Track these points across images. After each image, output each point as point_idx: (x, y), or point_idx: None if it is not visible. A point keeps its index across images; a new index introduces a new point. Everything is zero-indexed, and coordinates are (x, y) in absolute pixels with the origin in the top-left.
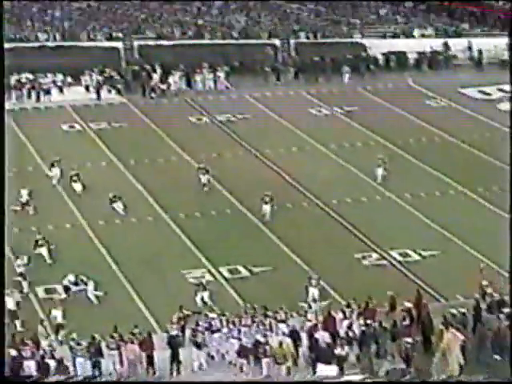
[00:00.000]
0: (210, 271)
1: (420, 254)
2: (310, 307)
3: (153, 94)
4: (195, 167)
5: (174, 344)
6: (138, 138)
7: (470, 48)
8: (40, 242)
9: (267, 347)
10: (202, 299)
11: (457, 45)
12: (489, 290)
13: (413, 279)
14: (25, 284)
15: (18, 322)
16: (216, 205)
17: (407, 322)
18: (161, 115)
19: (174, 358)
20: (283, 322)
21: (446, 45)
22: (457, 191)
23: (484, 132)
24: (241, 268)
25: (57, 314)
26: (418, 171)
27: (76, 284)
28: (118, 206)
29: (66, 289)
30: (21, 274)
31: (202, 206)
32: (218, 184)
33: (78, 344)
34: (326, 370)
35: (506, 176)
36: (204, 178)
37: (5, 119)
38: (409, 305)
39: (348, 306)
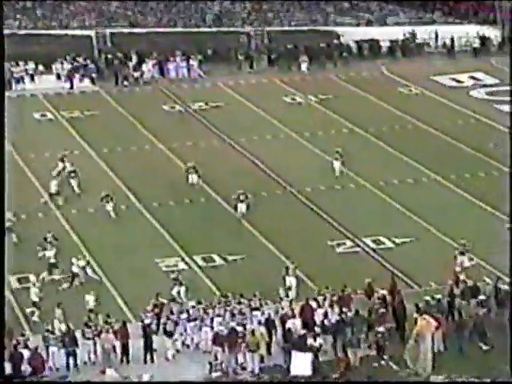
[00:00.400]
0: (183, 259)
1: (393, 242)
2: (287, 296)
3: (126, 83)
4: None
5: (147, 332)
6: (111, 126)
7: (436, 37)
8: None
9: (242, 335)
10: (179, 293)
11: (431, 33)
12: (462, 277)
13: (387, 266)
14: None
15: (36, 314)
16: (190, 193)
17: (382, 309)
18: (134, 103)
19: (148, 346)
20: (257, 309)
21: (413, 33)
22: (430, 178)
23: (456, 119)
24: (215, 256)
25: (90, 298)
26: (392, 159)
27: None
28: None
29: (73, 276)
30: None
31: (176, 194)
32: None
33: (51, 333)
34: (301, 358)
35: (478, 163)
36: (193, 178)
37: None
38: (383, 292)
39: (319, 293)
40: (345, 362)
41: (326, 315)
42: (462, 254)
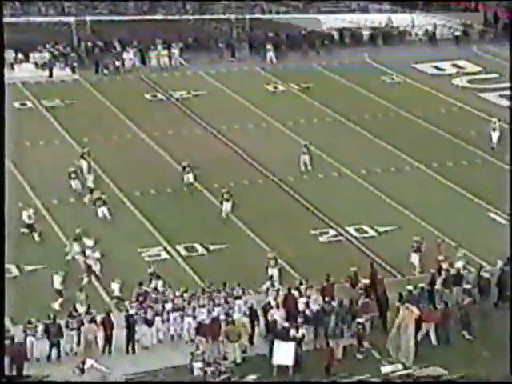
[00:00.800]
0: (166, 249)
1: (376, 230)
2: (273, 286)
3: (106, 71)
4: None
5: (130, 322)
6: (92, 115)
7: (413, 24)
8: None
9: (223, 325)
10: (156, 288)
11: (409, 20)
12: (444, 265)
13: (370, 255)
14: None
15: (58, 302)
16: (172, 182)
17: (363, 299)
18: (115, 92)
19: (131, 336)
20: (239, 298)
21: (389, 19)
22: (412, 167)
23: (439, 107)
24: (197, 246)
25: (115, 286)
26: (374, 147)
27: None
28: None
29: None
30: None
31: (158, 183)
32: (174, 161)
33: (29, 322)
34: (283, 347)
35: (461, 151)
36: (189, 177)
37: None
38: (366, 281)
39: (301, 283)
40: (327, 354)
41: (307, 305)
42: (416, 251)
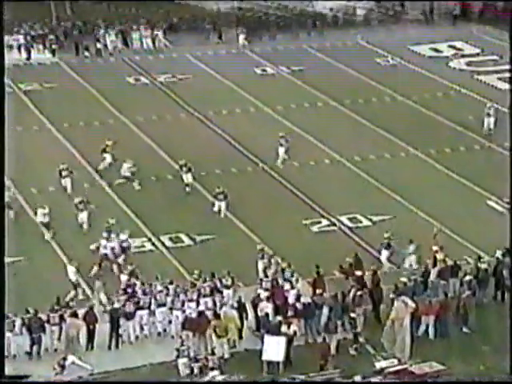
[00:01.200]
0: (150, 240)
1: (371, 220)
2: (266, 276)
3: (87, 53)
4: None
5: (114, 317)
6: (72, 99)
7: (402, 5)
8: None
9: (211, 319)
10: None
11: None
12: (440, 256)
13: (363, 246)
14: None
15: (71, 293)
16: (156, 170)
17: (355, 291)
18: (96, 75)
19: (114, 331)
20: (228, 287)
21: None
22: (408, 153)
23: (436, 91)
24: (183, 236)
25: (123, 278)
26: (368, 133)
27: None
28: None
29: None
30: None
31: (141, 171)
32: (158, 148)
33: (7, 317)
34: (273, 342)
35: (459, 137)
36: (187, 178)
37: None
38: (359, 273)
39: (292, 274)
40: (323, 349)
41: (298, 298)
42: (386, 248)
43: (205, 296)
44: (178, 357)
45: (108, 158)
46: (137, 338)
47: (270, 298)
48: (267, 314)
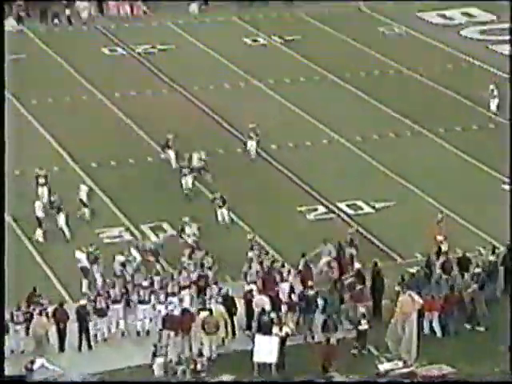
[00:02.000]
0: (128, 229)
1: (373, 207)
2: (250, 268)
3: (56, 21)
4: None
5: (82, 315)
6: (41, 73)
7: None
8: None
9: (196, 315)
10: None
11: None
12: (444, 247)
13: (365, 235)
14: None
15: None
16: (135, 152)
17: (359, 285)
18: (67, 46)
19: (83, 330)
20: (210, 268)
21: None
22: (414, 132)
23: (445, 63)
24: (166, 226)
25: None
26: (370, 110)
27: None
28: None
29: None
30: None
31: (119, 153)
32: (137, 127)
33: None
34: (265, 342)
35: (471, 114)
36: (187, 182)
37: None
38: (358, 266)
39: (283, 265)
40: (325, 351)
41: (291, 291)
42: (350, 245)
43: (184, 288)
44: (154, 355)
45: (171, 154)
46: (112, 336)
47: (265, 291)
48: (263, 310)
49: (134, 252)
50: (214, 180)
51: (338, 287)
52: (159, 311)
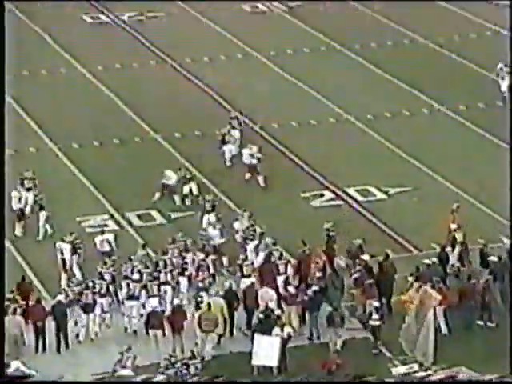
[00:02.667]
0: (113, 217)
1: (386, 192)
2: (245, 259)
3: None
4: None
5: (59, 312)
6: (13, 43)
7: None
8: None
9: (193, 309)
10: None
11: None
12: (459, 237)
13: (376, 224)
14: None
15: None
16: (120, 131)
17: (368, 280)
18: (44, 13)
19: (61, 330)
20: (202, 250)
21: None
22: (432, 110)
23: (468, 31)
24: (154, 213)
25: None
26: (382, 83)
27: None
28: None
29: None
30: None
31: (102, 132)
32: (122, 103)
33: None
34: (265, 344)
35: (495, 89)
36: (186, 188)
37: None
38: (366, 257)
39: (280, 257)
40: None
41: (287, 283)
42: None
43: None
44: (120, 362)
45: (233, 149)
46: (96, 335)
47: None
48: (267, 307)
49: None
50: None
51: (333, 279)
52: (149, 304)
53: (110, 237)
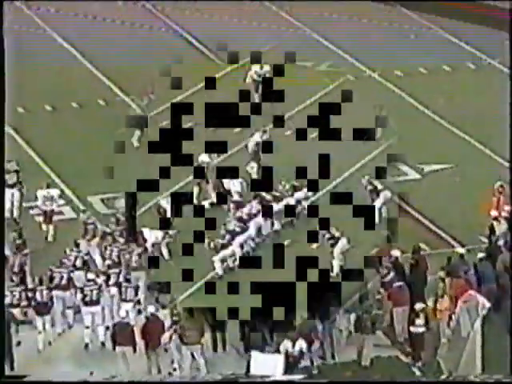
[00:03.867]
0: (71, 202)
1: (420, 171)
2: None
3: None
4: None
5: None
6: None
7: None
8: None
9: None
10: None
11: None
12: (502, 226)
13: (408, 210)
14: None
15: None
16: (80, 92)
17: (391, 278)
18: None
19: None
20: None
21: None
22: (480, 64)
23: None
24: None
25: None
26: (414, 28)
27: None
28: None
29: None
30: None
31: (56, 93)
32: (82, 57)
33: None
34: (266, 360)
35: None
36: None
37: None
38: (396, 253)
39: None
40: None
41: None
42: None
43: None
44: None
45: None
46: (49, 343)
47: None
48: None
49: None
50: None
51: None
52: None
53: (55, 192)
